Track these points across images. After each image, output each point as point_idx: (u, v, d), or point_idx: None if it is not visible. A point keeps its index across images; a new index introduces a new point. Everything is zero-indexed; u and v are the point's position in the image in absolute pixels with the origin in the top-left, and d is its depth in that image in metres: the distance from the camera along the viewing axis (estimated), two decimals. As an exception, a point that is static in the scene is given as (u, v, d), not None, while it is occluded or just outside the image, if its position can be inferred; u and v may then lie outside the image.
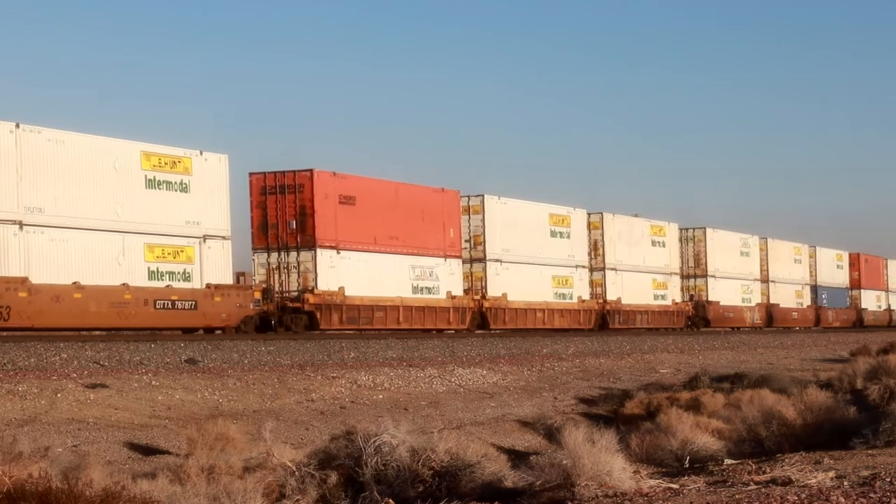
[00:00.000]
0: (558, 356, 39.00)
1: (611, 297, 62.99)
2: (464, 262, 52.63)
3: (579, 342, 46.44)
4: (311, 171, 44.53)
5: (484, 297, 52.98)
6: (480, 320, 52.80)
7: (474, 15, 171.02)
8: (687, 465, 18.80)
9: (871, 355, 39.72)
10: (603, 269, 62.85)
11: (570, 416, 26.65)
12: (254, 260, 44.62)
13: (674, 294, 69.13)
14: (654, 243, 67.33)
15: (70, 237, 35.49)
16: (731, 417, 22.84)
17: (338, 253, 44.89)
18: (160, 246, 38.15)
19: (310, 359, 31.66)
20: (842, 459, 16.25)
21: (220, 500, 12.72)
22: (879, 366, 29.95)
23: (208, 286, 39.33)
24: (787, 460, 16.40)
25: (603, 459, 13.89)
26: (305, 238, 44.15)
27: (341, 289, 44.60)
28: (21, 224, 34.34)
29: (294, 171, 44.65)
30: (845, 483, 13.24)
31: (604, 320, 62.07)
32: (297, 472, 14.42)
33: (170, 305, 37.91)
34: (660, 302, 67.46)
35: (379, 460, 14.36)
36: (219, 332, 39.49)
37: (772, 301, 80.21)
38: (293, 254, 44.22)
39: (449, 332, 49.36)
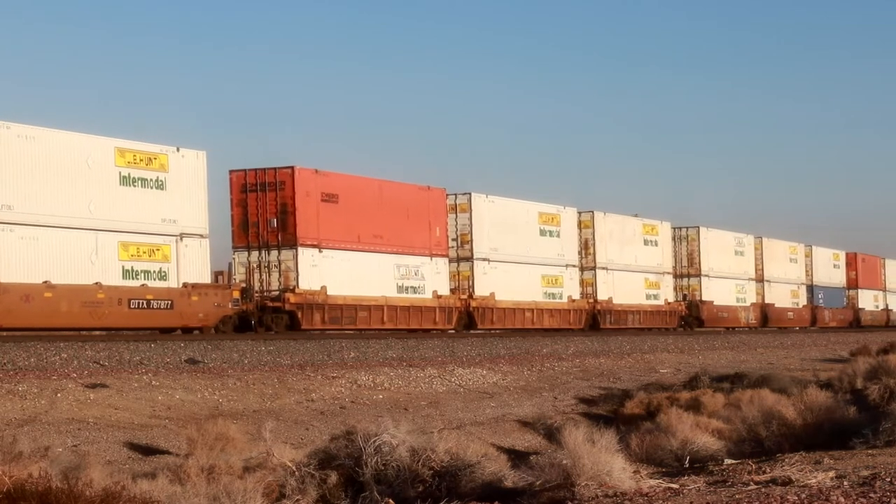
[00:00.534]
0: (558, 356, 39.00)
1: (602, 296, 62.11)
2: (451, 262, 51.92)
3: (579, 342, 46.43)
4: (292, 168, 43.78)
5: (471, 296, 52.25)
6: (467, 320, 52.06)
7: (462, 11, 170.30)
8: (687, 465, 18.80)
9: (870, 355, 39.74)
10: (594, 268, 62.13)
11: (570, 416, 26.65)
12: (234, 259, 43.76)
13: (666, 294, 68.45)
14: (646, 242, 66.68)
15: (40, 235, 34.61)
16: (731, 417, 22.85)
17: (320, 252, 44.12)
18: (135, 244, 37.32)
19: (310, 359, 31.65)
20: (842, 459, 16.26)
21: (220, 500, 12.72)
22: (879, 366, 29.97)
23: (185, 285, 38.50)
24: (787, 460, 16.40)
25: (603, 459, 13.89)
26: (286, 236, 43.39)
27: (323, 288, 43.84)
28: None
29: (275, 168, 43.88)
30: (845, 483, 13.24)
31: (594, 320, 61.28)
32: (297, 472, 14.43)
33: (145, 305, 37.06)
34: (652, 302, 66.79)
35: (379, 460, 14.36)
36: (196, 332, 38.62)
37: (767, 301, 79.60)
38: (274, 253, 43.44)
39: (437, 331, 48.65)
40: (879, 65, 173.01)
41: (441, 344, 40.28)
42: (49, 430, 18.93)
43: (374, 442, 14.49)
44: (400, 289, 47.97)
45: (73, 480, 11.68)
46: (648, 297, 66.52)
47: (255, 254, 43.50)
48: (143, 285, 37.23)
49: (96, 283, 35.74)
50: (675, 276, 70.77)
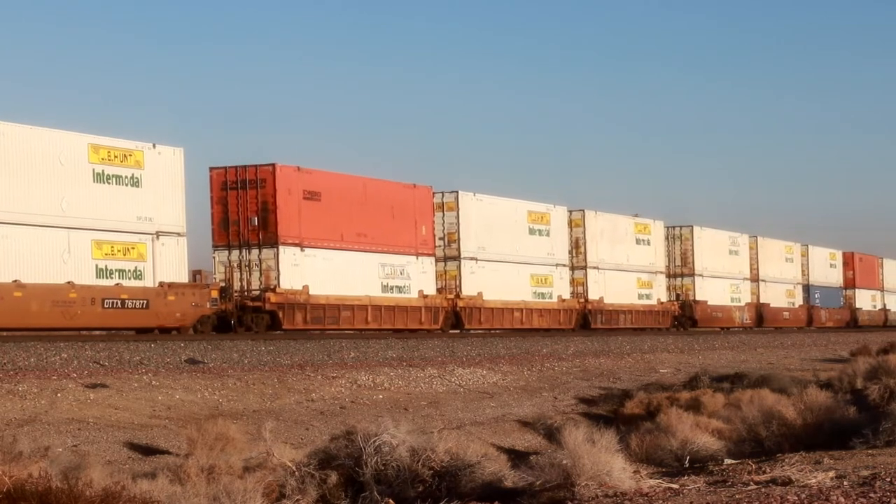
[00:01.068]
0: (558, 356, 39.01)
1: (593, 296, 61.49)
2: (437, 261, 51.23)
3: (579, 342, 46.44)
4: (273, 165, 43.12)
5: (458, 296, 51.63)
6: (454, 320, 51.42)
7: (448, 6, 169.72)
8: (687, 465, 18.81)
9: (870, 355, 39.74)
10: (584, 267, 61.47)
11: (570, 416, 26.65)
12: (214, 258, 43.14)
13: (659, 293, 67.85)
14: (638, 241, 66.04)
15: (10, 233, 33.91)
16: (731, 417, 22.86)
17: (302, 250, 43.51)
18: (109, 242, 36.59)
19: (310, 359, 31.66)
20: (842, 459, 16.25)
21: (220, 500, 12.72)
22: (879, 366, 29.97)
23: (161, 285, 37.80)
24: (787, 460, 16.40)
25: (603, 459, 13.89)
26: (268, 235, 42.72)
27: (305, 287, 43.21)
28: None
29: (256, 166, 43.22)
30: (845, 483, 13.24)
31: (585, 320, 60.56)
32: (297, 472, 14.43)
33: (119, 305, 36.23)
34: (644, 301, 66.24)
35: (379, 460, 14.36)
36: (174, 332, 37.90)
37: (762, 300, 79.09)
38: (255, 251, 42.81)
39: (423, 331, 48.12)
40: (877, 64, 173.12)
41: (441, 344, 40.28)
42: (49, 430, 18.93)
43: (374, 442, 14.49)
44: (385, 288, 47.39)
45: (73, 480, 11.69)
46: (641, 296, 65.99)
47: (235, 253, 42.91)
48: (117, 284, 36.52)
49: (68, 283, 34.99)
50: (669, 276, 70.20)
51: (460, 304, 51.59)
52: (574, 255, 61.16)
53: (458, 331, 50.82)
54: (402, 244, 48.41)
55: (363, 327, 45.75)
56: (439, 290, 50.90)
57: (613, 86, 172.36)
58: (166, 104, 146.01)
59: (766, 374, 33.63)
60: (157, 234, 38.03)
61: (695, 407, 25.34)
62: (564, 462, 13.94)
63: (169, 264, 38.29)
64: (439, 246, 51.54)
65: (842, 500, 11.93)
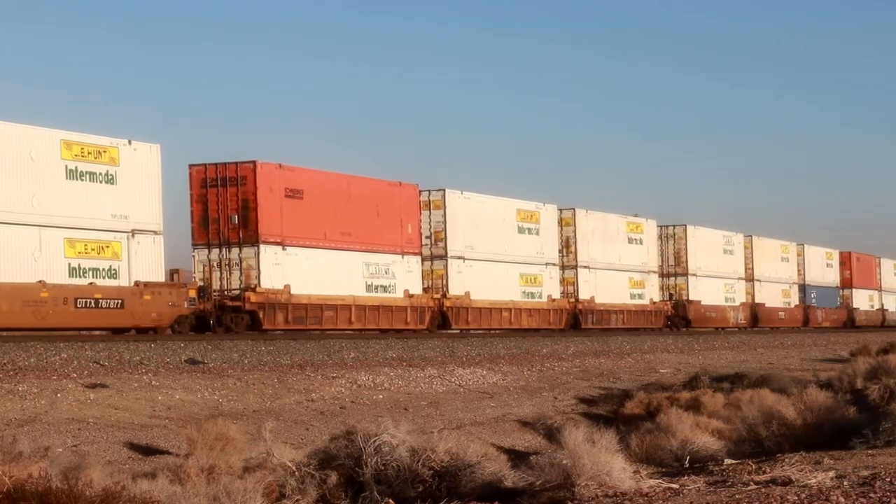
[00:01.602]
0: (558, 356, 39.01)
1: (583, 295, 60.57)
2: (424, 260, 50.36)
3: (579, 342, 46.44)
4: (254, 162, 42.23)
5: (445, 295, 50.74)
6: (441, 320, 50.56)
7: (435, 2, 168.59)
8: (687, 465, 18.81)
9: (870, 355, 39.74)
10: (575, 267, 60.45)
11: (570, 416, 26.65)
12: (194, 256, 42.26)
13: (652, 293, 67.10)
14: (630, 240, 65.29)
15: None
16: (731, 417, 22.86)
17: (283, 249, 42.71)
18: (82, 241, 35.74)
19: (310, 359, 31.66)
20: (842, 459, 16.26)
21: (220, 500, 12.73)
22: (879, 366, 29.98)
23: (137, 284, 36.95)
24: (787, 460, 16.40)
25: (603, 459, 13.90)
26: (248, 233, 41.86)
27: (287, 287, 42.43)
28: None
29: (236, 163, 42.31)
30: (845, 483, 13.24)
31: (576, 320, 59.73)
32: (297, 472, 14.43)
33: (92, 304, 35.31)
34: (637, 301, 65.45)
35: (379, 460, 14.36)
36: (151, 332, 37.21)
37: (757, 300, 78.45)
38: (235, 250, 41.96)
39: (409, 331, 47.35)
40: (875, 64, 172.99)
41: (441, 344, 40.29)
42: (49, 430, 18.94)
43: (374, 442, 14.50)
44: (369, 288, 46.58)
45: (73, 480, 11.69)
46: (633, 296, 65.26)
47: (215, 251, 42.12)
48: (91, 284, 35.71)
49: (39, 282, 34.12)
50: (662, 276, 69.50)
51: (447, 303, 50.77)
52: (564, 254, 60.42)
53: (444, 331, 49.91)
54: (388, 243, 47.64)
55: (347, 328, 45.03)
56: (426, 290, 50.03)
57: (606, 83, 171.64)
58: (147, 101, 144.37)
59: (766, 374, 33.63)
60: (133, 232, 37.25)
61: (695, 407, 25.35)
62: (564, 462, 13.95)
63: (145, 263, 37.54)
64: (426, 245, 50.78)
65: (842, 500, 11.93)
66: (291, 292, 42.68)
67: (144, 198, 37.76)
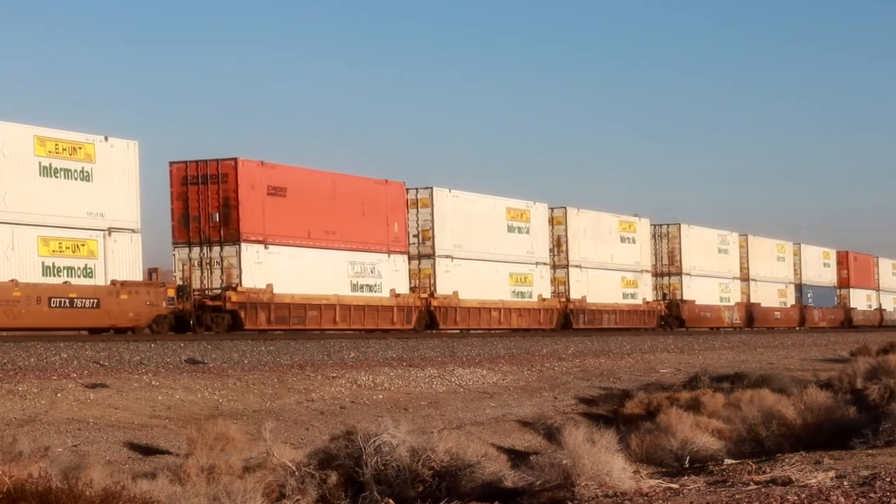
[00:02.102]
0: (558, 356, 39.01)
1: (574, 295, 60.08)
2: (411, 259, 49.80)
3: (579, 342, 46.45)
4: (235, 159, 41.61)
5: (432, 295, 50.13)
6: (428, 320, 49.98)
7: None
8: (687, 465, 18.81)
9: (871, 355, 39.75)
10: (566, 266, 60.03)
11: (570, 416, 26.66)
12: (174, 255, 41.66)
13: (645, 293, 66.48)
14: (623, 239, 64.68)
15: None
16: (731, 417, 22.87)
17: (266, 248, 42.18)
18: (57, 239, 35.09)
19: (310, 359, 31.67)
20: (842, 459, 16.26)
21: (220, 500, 12.73)
22: (879, 366, 30.00)
23: (114, 283, 36.32)
24: (787, 460, 16.40)
25: (603, 459, 13.89)
26: (229, 232, 41.28)
27: (269, 286, 41.93)
28: None
29: (217, 160, 41.65)
30: (845, 483, 13.24)
31: (567, 320, 59.22)
32: (297, 472, 14.43)
33: (67, 304, 34.70)
34: (629, 301, 64.58)
35: (379, 460, 14.36)
36: (129, 332, 36.73)
37: (752, 300, 77.96)
38: (216, 249, 41.33)
39: (395, 331, 46.76)
40: (873, 64, 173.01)
41: (441, 344, 40.29)
42: (49, 430, 18.94)
43: (374, 442, 14.49)
44: (354, 287, 45.99)
45: (73, 480, 11.69)
46: (625, 296, 64.63)
47: (196, 250, 41.51)
48: (65, 283, 35.13)
49: (12, 281, 33.56)
50: (655, 275, 68.94)
51: (434, 303, 50.13)
52: (556, 253, 59.84)
53: (432, 331, 49.19)
54: (373, 242, 47.06)
55: (331, 327, 44.47)
56: (412, 289, 49.47)
57: (599, 80, 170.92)
58: (128, 98, 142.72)
59: (766, 374, 33.63)
60: (110, 230, 36.64)
61: (695, 407, 25.35)
62: (564, 462, 13.95)
63: (122, 262, 36.91)
64: (413, 244, 50.19)
65: (842, 500, 11.93)
66: (274, 292, 42.21)
67: (122, 195, 37.13)
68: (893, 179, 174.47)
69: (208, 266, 41.45)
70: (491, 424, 24.96)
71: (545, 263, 58.17)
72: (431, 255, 50.79)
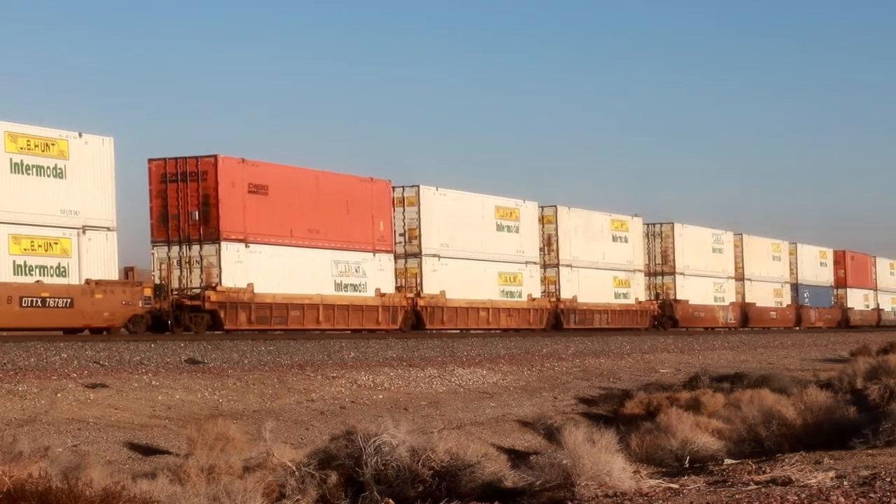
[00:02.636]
0: (558, 356, 39.01)
1: (565, 295, 59.36)
2: (398, 258, 49.04)
3: (579, 342, 46.45)
4: (215, 156, 40.90)
5: (419, 294, 49.45)
6: (415, 320, 49.41)
7: None
8: (687, 465, 18.81)
9: (870, 355, 39.76)
10: (557, 265, 59.35)
11: (570, 416, 26.66)
12: (153, 254, 40.95)
13: (637, 292, 65.84)
14: (615, 238, 64.07)
15: None
16: (731, 417, 22.87)
17: (246, 247, 41.50)
18: (28, 237, 34.40)
19: (310, 359, 31.67)
20: (842, 459, 16.26)
21: (220, 500, 12.73)
22: (879, 366, 30.01)
23: (88, 282, 35.60)
24: (787, 460, 16.40)
25: (603, 459, 13.90)
26: (209, 230, 40.59)
27: (250, 286, 41.25)
28: None
29: (196, 157, 40.92)
30: (845, 483, 13.24)
31: (557, 320, 58.50)
32: (297, 472, 14.43)
33: (39, 303, 33.99)
34: (621, 301, 64.00)
35: (379, 460, 14.36)
36: (105, 332, 36.12)
37: (747, 300, 77.45)
38: (196, 247, 40.66)
39: (381, 331, 46.21)
40: (870, 63, 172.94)
41: (441, 344, 40.30)
42: (49, 430, 18.94)
43: (374, 442, 14.50)
44: (338, 286, 45.31)
45: (73, 480, 11.69)
46: (617, 295, 64.01)
47: (175, 249, 40.78)
48: (37, 282, 34.44)
49: None
50: (648, 275, 68.29)
51: (421, 303, 49.48)
52: (546, 252, 59.16)
53: (418, 331, 48.61)
54: (358, 240, 46.34)
55: (314, 327, 43.78)
56: (398, 289, 48.73)
57: (590, 78, 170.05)
58: (106, 94, 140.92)
59: (766, 374, 33.62)
60: (84, 228, 35.91)
61: (695, 407, 25.36)
62: (564, 462, 13.95)
63: (97, 260, 36.18)
64: (399, 242, 49.51)
65: (842, 500, 11.93)
66: (255, 291, 41.58)
67: (96, 192, 36.44)
68: (891, 179, 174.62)
69: (188, 265, 40.80)
70: (491, 424, 24.97)
71: (535, 263, 57.56)
72: (418, 254, 50.21)
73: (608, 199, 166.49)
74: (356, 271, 46.42)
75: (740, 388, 29.29)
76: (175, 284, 40.37)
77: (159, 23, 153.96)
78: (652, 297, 68.46)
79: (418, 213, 50.07)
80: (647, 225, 69.37)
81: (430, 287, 50.39)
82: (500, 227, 54.95)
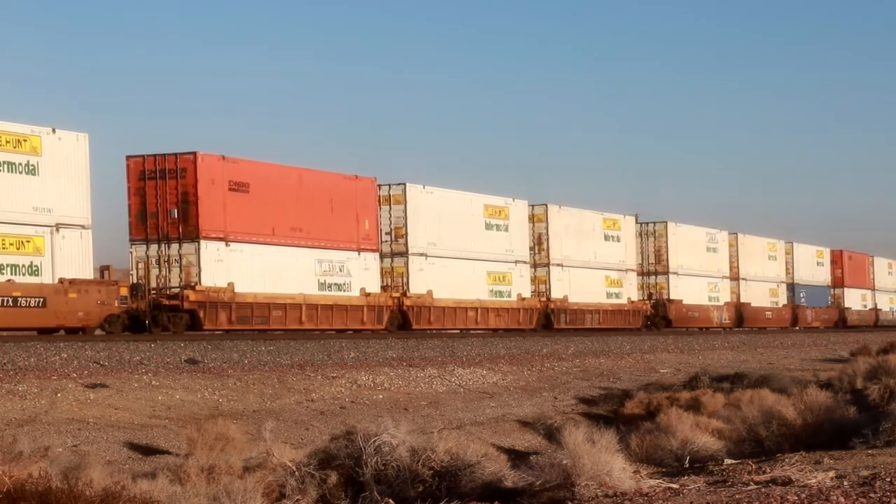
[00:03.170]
0: (558, 356, 39.02)
1: (556, 294, 58.93)
2: (384, 257, 48.67)
3: (579, 342, 46.45)
4: (194, 153, 40.34)
5: (405, 294, 48.95)
6: (401, 320, 48.93)
7: None
8: (687, 465, 18.81)
9: (870, 355, 39.76)
10: (547, 264, 58.92)
11: (570, 416, 26.66)
12: (131, 253, 40.43)
13: (630, 292, 65.12)
14: (607, 238, 63.64)
15: None
16: (731, 417, 22.87)
17: (227, 245, 40.96)
18: None
19: (310, 359, 31.67)
20: (842, 459, 16.26)
21: (220, 500, 12.73)
22: (879, 366, 30.01)
23: (62, 281, 35.03)
24: (787, 460, 16.40)
25: (603, 459, 13.89)
26: (188, 228, 40.05)
27: (230, 285, 40.67)
28: None
29: (176, 154, 40.39)
30: (845, 483, 13.24)
31: (548, 320, 58.07)
32: (297, 472, 14.43)
33: (10, 303, 33.42)
34: (613, 300, 63.62)
35: (379, 460, 14.36)
36: (80, 332, 35.54)
37: (743, 300, 77.14)
38: (175, 246, 40.13)
39: (367, 331, 45.94)
40: (868, 63, 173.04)
41: (441, 344, 40.30)
42: (49, 430, 18.94)
43: (374, 442, 14.49)
44: (322, 286, 44.79)
45: (73, 480, 11.69)
46: (609, 295, 63.57)
47: (154, 247, 40.27)
48: (9, 281, 33.90)
49: None
50: (641, 274, 67.94)
51: (407, 302, 48.98)
52: (536, 251, 58.69)
53: (405, 331, 48.02)
54: (342, 239, 45.80)
55: (297, 327, 43.15)
56: (384, 288, 48.24)
57: (581, 75, 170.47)
58: (84, 90, 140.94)
59: (766, 374, 33.63)
60: (57, 226, 35.25)
61: (695, 407, 25.36)
62: (564, 462, 13.94)
63: (71, 259, 35.54)
64: (385, 241, 49.05)
65: (842, 500, 11.93)
66: (235, 290, 41.03)
67: (70, 190, 35.79)
68: (890, 178, 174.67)
69: (166, 264, 40.25)
70: (491, 424, 24.97)
71: (525, 262, 57.01)
72: (405, 253, 49.70)
73: (601, 198, 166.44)
74: (340, 270, 45.93)
75: (740, 388, 29.29)
76: (154, 283, 39.82)
77: (139, 19, 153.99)
78: (645, 297, 68.09)
79: (405, 211, 49.56)
80: (641, 224, 69.02)
81: (417, 287, 49.92)
82: (489, 226, 54.44)
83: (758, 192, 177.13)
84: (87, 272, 36.29)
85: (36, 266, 34.76)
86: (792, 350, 52.93)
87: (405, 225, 49.61)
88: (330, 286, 45.34)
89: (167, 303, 39.69)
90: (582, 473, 13.68)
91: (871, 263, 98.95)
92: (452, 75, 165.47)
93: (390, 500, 13.98)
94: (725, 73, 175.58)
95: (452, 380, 29.99)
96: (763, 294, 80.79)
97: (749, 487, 13.45)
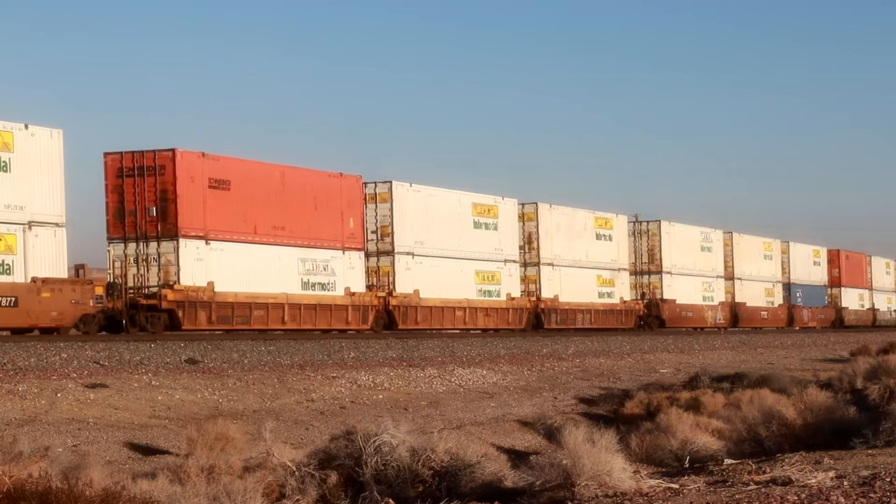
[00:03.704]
0: (558, 356, 39.02)
1: (546, 294, 58.06)
2: (369, 256, 47.97)
3: (579, 342, 46.44)
4: (173, 150, 39.57)
5: (391, 293, 48.19)
6: (387, 320, 48.19)
7: None
8: (687, 465, 18.80)
9: (870, 355, 39.79)
10: (538, 264, 58.06)
11: (570, 416, 26.66)
12: (108, 251, 39.71)
13: (622, 292, 64.48)
14: (599, 237, 63.01)
15: None
16: (731, 417, 22.88)
17: (207, 244, 40.23)
18: None
19: (310, 359, 31.67)
20: (842, 459, 16.25)
21: (220, 499, 12.73)
22: (879, 366, 30.05)
23: (34, 280, 34.35)
24: (787, 460, 16.39)
25: (603, 459, 13.90)
26: (167, 227, 39.34)
27: (210, 284, 40.01)
28: None
29: (154, 151, 39.64)
30: (845, 483, 13.24)
31: (538, 320, 57.42)
32: (297, 472, 14.43)
33: None
34: (605, 300, 62.85)
35: (379, 460, 14.37)
36: (55, 332, 35.05)
37: (738, 300, 76.70)
38: (153, 244, 39.45)
39: (352, 331, 45.41)
40: (867, 62, 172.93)
41: (441, 344, 40.29)
42: (49, 430, 18.94)
43: (374, 442, 14.50)
44: (305, 285, 44.11)
45: (73, 480, 11.69)
46: (601, 295, 62.89)
47: (132, 245, 39.59)
48: None
49: None
50: (634, 273, 67.36)
51: (393, 302, 48.23)
52: (526, 250, 57.96)
53: (391, 331, 47.13)
54: (327, 238, 45.10)
55: (280, 327, 42.71)
56: (370, 288, 47.54)
57: (573, 72, 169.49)
58: (61, 86, 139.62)
59: (766, 374, 33.63)
60: (30, 224, 34.54)
61: (695, 407, 25.37)
62: (564, 462, 13.95)
63: (44, 258, 34.80)
64: (371, 240, 48.38)
65: (842, 500, 11.93)
66: (215, 290, 40.39)
67: (44, 187, 35.04)
68: (888, 178, 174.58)
69: (145, 262, 39.53)
70: (491, 424, 24.97)
71: (514, 261, 56.30)
72: (391, 252, 48.96)
73: (594, 197, 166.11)
74: (324, 269, 45.33)
75: (740, 388, 29.30)
76: (131, 283, 39.30)
77: (118, 13, 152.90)
78: (637, 297, 67.53)
79: (391, 209, 48.88)
80: (633, 223, 68.57)
81: (404, 286, 49.28)
82: (477, 225, 53.76)
83: (754, 191, 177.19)
84: (61, 271, 35.59)
85: (7, 265, 34.13)
86: (792, 350, 52.93)
87: (391, 223, 48.94)
88: (314, 285, 44.76)
89: (145, 302, 39.09)
90: (582, 473, 13.68)
91: (868, 263, 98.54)
92: (440, 71, 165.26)
93: (390, 500, 13.98)
94: (720, 71, 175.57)
95: (452, 380, 29.99)
96: (758, 294, 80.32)
97: (749, 487, 13.45)
